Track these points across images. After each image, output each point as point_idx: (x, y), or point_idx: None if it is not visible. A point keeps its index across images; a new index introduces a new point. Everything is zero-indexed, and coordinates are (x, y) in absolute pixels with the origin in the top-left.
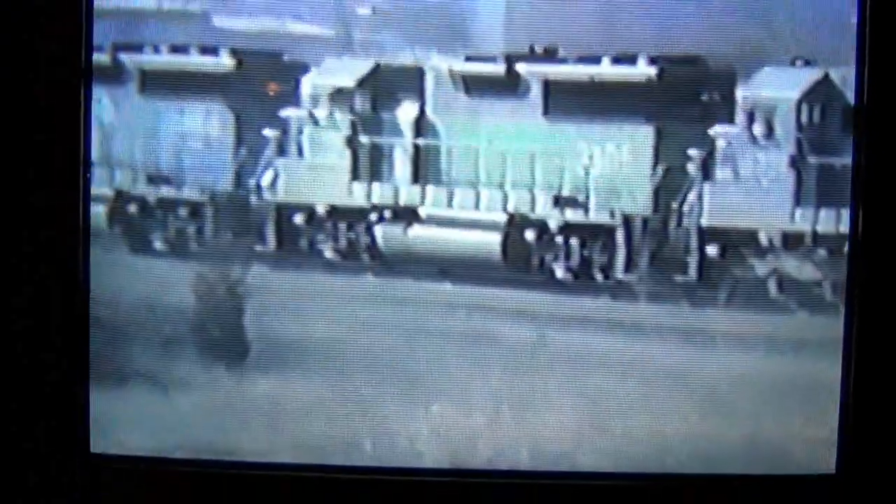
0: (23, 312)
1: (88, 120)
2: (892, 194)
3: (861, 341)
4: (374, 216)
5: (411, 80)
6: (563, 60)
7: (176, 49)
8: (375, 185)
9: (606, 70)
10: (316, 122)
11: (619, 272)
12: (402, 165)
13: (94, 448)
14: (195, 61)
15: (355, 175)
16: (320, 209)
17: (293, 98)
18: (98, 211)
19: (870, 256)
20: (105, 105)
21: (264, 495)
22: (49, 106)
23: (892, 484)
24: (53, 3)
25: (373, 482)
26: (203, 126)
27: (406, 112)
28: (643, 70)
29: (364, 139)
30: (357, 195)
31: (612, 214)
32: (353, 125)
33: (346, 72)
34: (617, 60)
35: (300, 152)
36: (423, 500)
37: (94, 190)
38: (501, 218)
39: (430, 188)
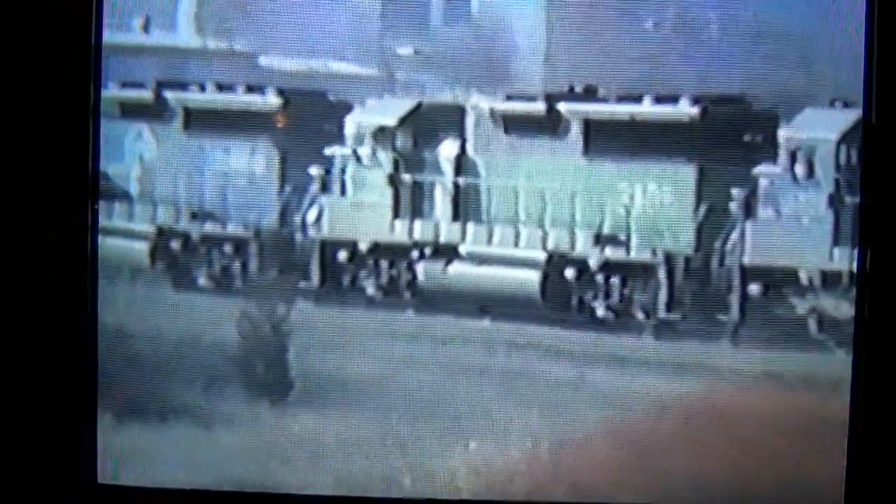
0: (34, 342)
1: (97, 153)
2: None
3: (869, 379)
4: (415, 253)
5: (452, 119)
6: (604, 99)
7: (222, 87)
8: (417, 223)
9: (648, 109)
10: (359, 160)
11: (660, 311)
12: (442, 203)
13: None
14: (241, 100)
15: (397, 213)
16: (363, 246)
17: (337, 136)
18: (140, 247)
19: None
20: (146, 141)
21: None
22: (59, 140)
23: None
24: (63, 39)
25: None
26: (248, 163)
27: (447, 150)
28: (685, 110)
29: (406, 177)
30: (399, 232)
31: (654, 253)
32: (396, 163)
33: (388, 111)
34: (658, 100)
35: (343, 190)
36: None
37: (136, 226)
38: (541, 256)
39: (470, 226)
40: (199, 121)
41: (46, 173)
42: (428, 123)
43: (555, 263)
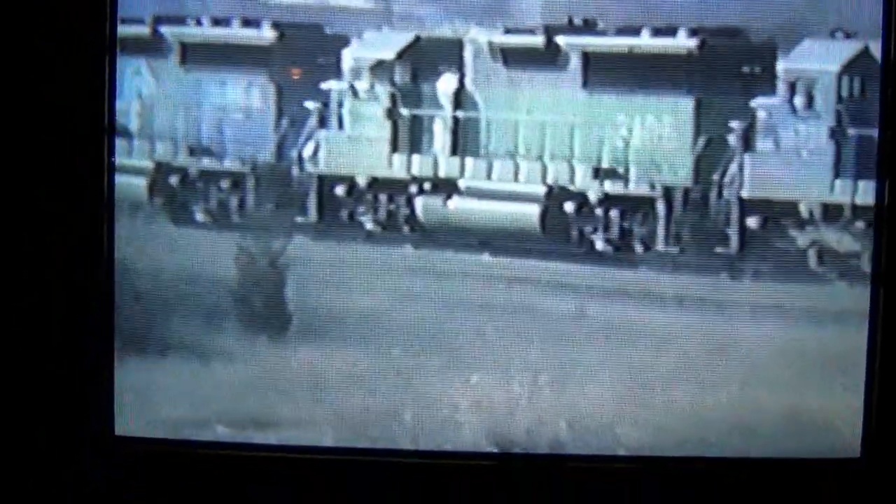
0: (46, 293)
1: (113, 85)
2: None
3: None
4: (413, 188)
5: (451, 53)
6: (603, 32)
7: (217, 22)
8: (415, 157)
9: (646, 42)
10: (356, 95)
11: (659, 244)
12: (441, 137)
13: (121, 426)
14: (237, 34)
15: (395, 147)
16: (361, 181)
17: (334, 70)
18: (138, 182)
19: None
20: (144, 77)
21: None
22: (74, 75)
23: None
24: None
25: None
26: (245, 98)
27: (445, 84)
28: (683, 42)
29: (404, 111)
30: (397, 167)
31: (653, 186)
32: (393, 97)
33: (386, 44)
34: (657, 32)
35: (341, 124)
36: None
37: (134, 162)
38: (540, 190)
39: (469, 160)
40: (196, 56)
41: (60, 112)
42: (426, 57)
43: (554, 197)
